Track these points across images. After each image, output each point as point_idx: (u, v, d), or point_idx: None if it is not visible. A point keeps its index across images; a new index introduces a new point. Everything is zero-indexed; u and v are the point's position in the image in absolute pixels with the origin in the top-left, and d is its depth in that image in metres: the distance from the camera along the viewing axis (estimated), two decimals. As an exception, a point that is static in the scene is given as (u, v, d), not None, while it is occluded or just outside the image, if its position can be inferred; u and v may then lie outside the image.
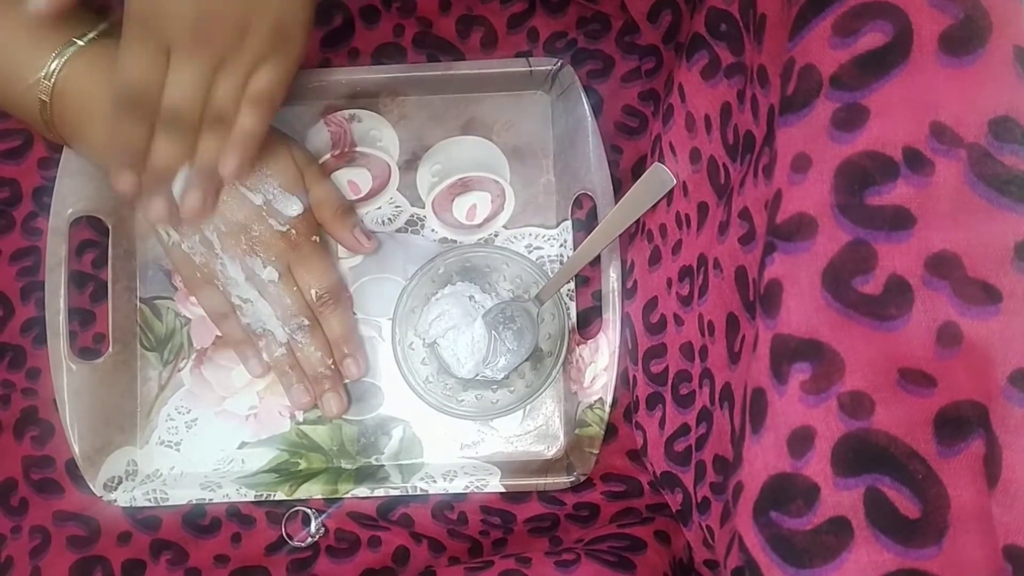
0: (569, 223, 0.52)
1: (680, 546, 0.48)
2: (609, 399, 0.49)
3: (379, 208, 0.53)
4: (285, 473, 0.51)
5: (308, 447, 0.52)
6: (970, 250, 0.26)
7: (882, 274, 0.27)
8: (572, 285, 0.52)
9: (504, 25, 0.53)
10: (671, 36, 0.50)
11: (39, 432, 0.51)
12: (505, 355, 0.50)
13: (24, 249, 0.52)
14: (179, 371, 0.52)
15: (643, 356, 0.49)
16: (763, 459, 0.29)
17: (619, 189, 0.50)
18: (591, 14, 0.53)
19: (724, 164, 0.41)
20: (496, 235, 0.53)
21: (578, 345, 0.51)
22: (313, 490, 0.50)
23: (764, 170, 0.34)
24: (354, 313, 0.52)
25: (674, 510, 0.46)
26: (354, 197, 0.53)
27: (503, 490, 0.50)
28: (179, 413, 0.52)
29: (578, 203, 0.52)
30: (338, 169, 0.53)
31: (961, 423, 0.26)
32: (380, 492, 0.49)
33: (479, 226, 0.53)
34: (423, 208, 0.53)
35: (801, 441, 0.28)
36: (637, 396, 0.50)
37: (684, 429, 0.44)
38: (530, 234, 0.53)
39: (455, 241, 0.53)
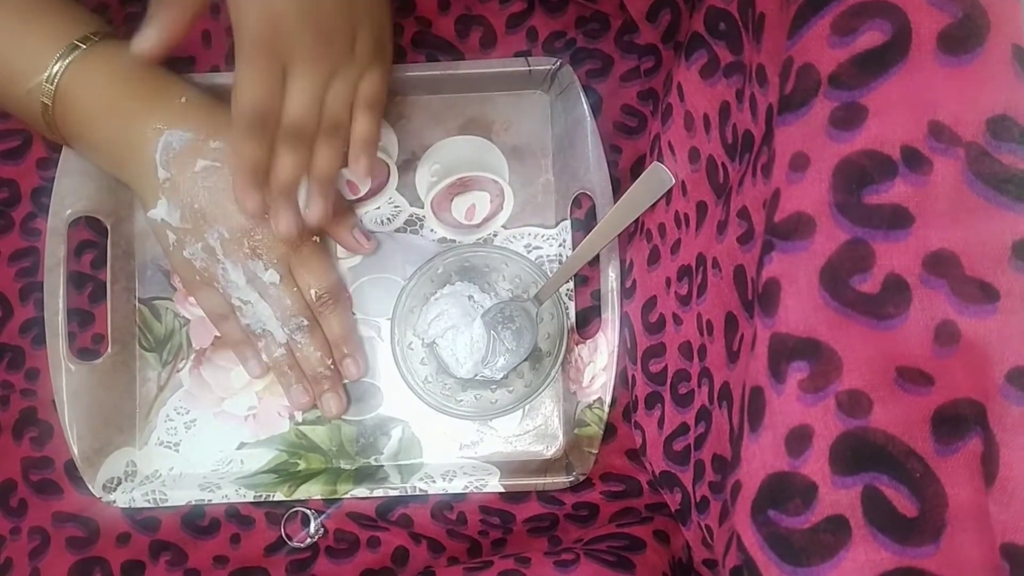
0: (568, 223, 0.52)
1: (679, 545, 0.48)
2: (608, 399, 0.49)
3: (378, 208, 0.53)
4: (284, 474, 0.51)
5: (307, 447, 0.52)
6: (968, 249, 0.26)
7: (880, 273, 0.27)
8: (571, 285, 0.52)
9: (503, 25, 0.53)
10: (670, 35, 0.50)
11: (38, 433, 0.51)
12: (504, 355, 0.50)
13: (23, 250, 0.52)
14: (178, 372, 0.52)
15: (642, 356, 0.49)
16: (761, 458, 0.29)
17: (618, 189, 0.50)
18: (590, 13, 0.53)
19: (723, 163, 0.41)
20: (495, 235, 0.53)
21: (577, 345, 0.51)
22: (312, 491, 0.50)
23: (763, 169, 0.34)
24: (353, 313, 0.52)
25: (673, 509, 0.46)
26: (353, 197, 0.53)
27: (502, 490, 0.50)
28: (178, 414, 0.52)
29: (577, 203, 0.52)
30: (337, 169, 0.53)
31: (959, 422, 0.26)
32: (379, 492, 0.49)
33: (478, 226, 0.53)
34: (422, 208, 0.53)
35: (799, 440, 0.28)
36: (636, 396, 0.50)
37: (683, 428, 0.44)
38: (529, 234, 0.53)
39: (454, 241, 0.53)
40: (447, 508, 0.51)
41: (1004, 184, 0.25)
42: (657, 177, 0.45)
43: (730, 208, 0.39)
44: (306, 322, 0.49)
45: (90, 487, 0.49)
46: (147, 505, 0.49)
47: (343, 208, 0.51)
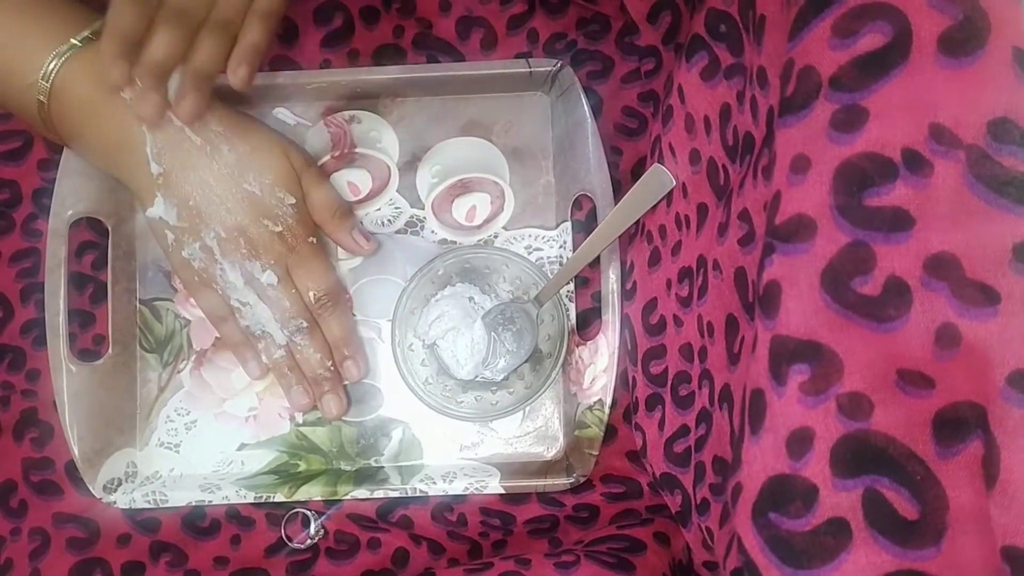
0: (569, 224, 0.52)
1: (679, 547, 0.48)
2: (608, 400, 0.49)
3: (379, 209, 0.53)
4: (284, 475, 0.51)
5: (307, 449, 0.52)
6: (969, 251, 0.26)
7: (881, 275, 0.27)
8: (571, 286, 0.52)
9: (504, 26, 0.53)
10: (671, 37, 0.50)
11: (39, 434, 0.51)
12: (504, 356, 0.50)
13: (24, 250, 0.52)
14: (179, 373, 0.52)
15: (642, 357, 0.49)
16: (762, 460, 0.29)
17: (619, 190, 0.50)
18: (591, 15, 0.53)
19: (723, 165, 0.41)
20: (496, 236, 0.53)
21: (577, 346, 0.51)
22: (313, 492, 0.50)
23: (763, 171, 0.34)
24: (354, 315, 0.52)
25: (673, 511, 0.46)
26: (354, 198, 0.53)
27: (503, 491, 0.50)
28: (179, 415, 0.52)
29: (578, 204, 0.52)
30: (338, 170, 0.53)
31: (959, 424, 0.26)
32: (380, 494, 0.49)
33: (479, 227, 0.53)
34: (423, 209, 0.53)
35: (800, 442, 0.28)
36: (636, 397, 0.50)
37: (683, 430, 0.44)
38: (530, 235, 0.53)
39: (455, 242, 0.53)
40: (447, 509, 0.51)
41: (1005, 186, 0.25)
42: (658, 179, 0.45)
43: (731, 210, 0.39)
44: (305, 324, 0.49)
45: (90, 488, 0.49)
46: (147, 506, 0.49)
47: (344, 210, 0.51)
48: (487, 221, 0.53)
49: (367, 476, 0.50)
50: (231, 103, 0.48)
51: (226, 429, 0.52)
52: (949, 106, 0.26)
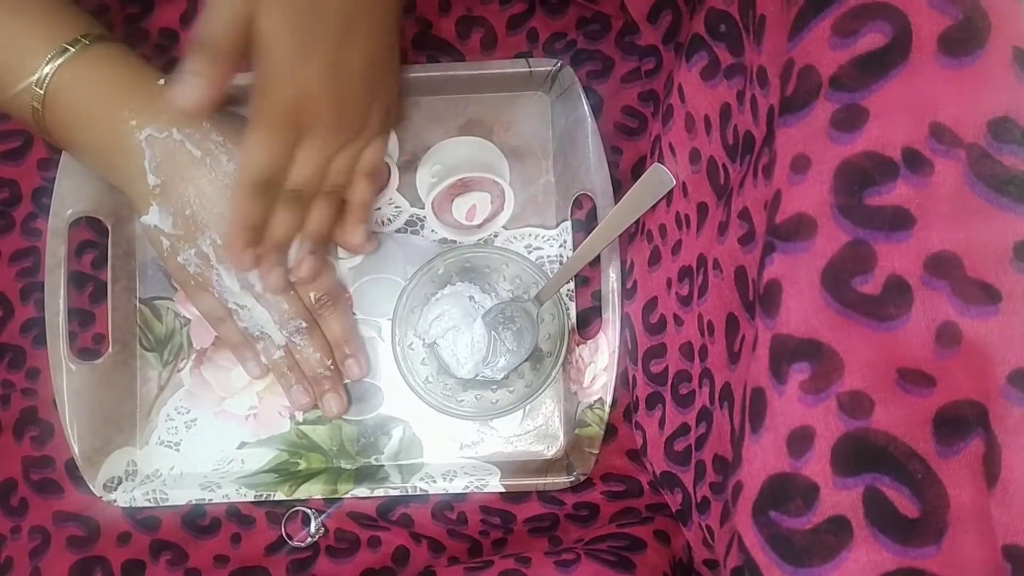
0: (569, 223, 0.52)
1: (680, 546, 0.48)
2: (609, 399, 0.49)
3: (379, 208, 0.53)
4: (285, 473, 0.51)
5: (308, 447, 0.52)
6: (969, 250, 0.26)
7: (881, 274, 0.27)
8: (572, 285, 0.52)
9: (504, 26, 0.53)
10: (671, 37, 0.50)
11: (39, 432, 0.51)
12: (505, 355, 0.50)
13: (24, 250, 0.52)
14: (179, 371, 0.52)
15: (643, 356, 0.49)
16: (762, 459, 0.29)
17: (619, 189, 0.50)
18: (591, 15, 0.53)
19: (724, 165, 0.41)
20: (496, 235, 0.53)
21: (578, 345, 0.51)
22: (313, 490, 0.50)
23: (764, 170, 0.34)
24: (354, 314, 0.52)
25: (674, 510, 0.46)
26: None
27: (503, 490, 0.50)
28: (179, 413, 0.52)
29: (578, 203, 0.52)
30: (338, 169, 0.53)
31: (960, 423, 0.26)
32: (380, 492, 0.49)
33: (479, 226, 0.53)
34: (423, 208, 0.53)
35: (800, 441, 0.28)
36: (637, 396, 0.50)
37: (684, 429, 0.45)
38: (530, 234, 0.53)
39: (455, 241, 0.53)
40: (448, 508, 0.51)
41: (1005, 186, 0.25)
42: (658, 178, 0.45)
43: (731, 209, 0.39)
44: (304, 324, 0.49)
45: (91, 486, 0.49)
46: (148, 504, 0.49)
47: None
48: (487, 220, 0.53)
49: (367, 475, 0.50)
50: (231, 104, 0.48)
51: (226, 428, 0.52)
52: (949, 105, 0.26)
